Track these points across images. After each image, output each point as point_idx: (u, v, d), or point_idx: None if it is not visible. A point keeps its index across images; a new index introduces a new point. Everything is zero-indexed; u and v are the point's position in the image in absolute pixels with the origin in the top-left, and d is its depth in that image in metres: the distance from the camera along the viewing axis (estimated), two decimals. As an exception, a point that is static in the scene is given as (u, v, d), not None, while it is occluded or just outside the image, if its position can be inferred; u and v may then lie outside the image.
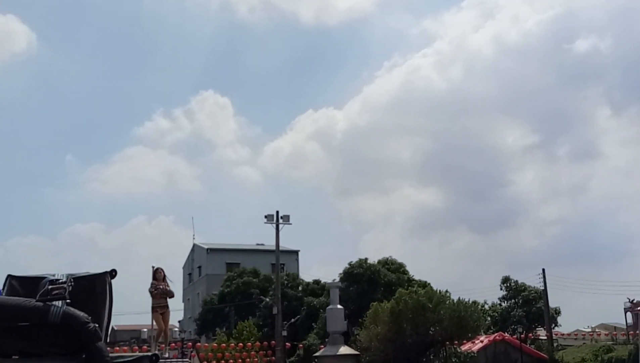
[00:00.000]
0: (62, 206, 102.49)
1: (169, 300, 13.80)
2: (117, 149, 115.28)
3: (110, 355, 4.82)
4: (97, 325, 4.60)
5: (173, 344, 39.44)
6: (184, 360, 13.30)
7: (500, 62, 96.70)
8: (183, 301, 74.24)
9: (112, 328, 68.92)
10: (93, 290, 4.91)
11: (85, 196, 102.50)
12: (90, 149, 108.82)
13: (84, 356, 4.50)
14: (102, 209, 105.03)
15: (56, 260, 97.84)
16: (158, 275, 13.45)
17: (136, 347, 37.59)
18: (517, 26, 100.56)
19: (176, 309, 69.00)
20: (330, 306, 39.33)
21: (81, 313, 4.60)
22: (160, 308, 13.38)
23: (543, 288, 45.99)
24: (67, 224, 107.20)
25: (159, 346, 13.79)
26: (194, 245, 73.12)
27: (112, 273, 5.09)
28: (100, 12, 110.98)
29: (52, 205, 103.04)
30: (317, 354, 38.65)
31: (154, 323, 13.62)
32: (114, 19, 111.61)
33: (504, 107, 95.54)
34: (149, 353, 5.01)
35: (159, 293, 13.34)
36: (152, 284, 13.38)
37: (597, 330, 55.35)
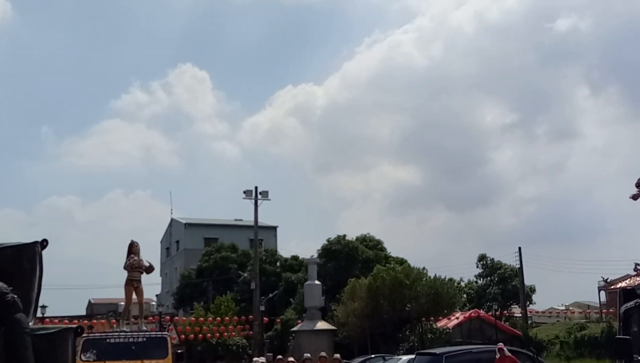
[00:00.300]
0: (38, 179, 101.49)
1: (147, 274, 13.76)
2: (93, 122, 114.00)
3: (33, 327, 4.65)
4: (15, 296, 4.41)
5: (151, 318, 39.46)
6: (163, 333, 13.24)
7: (480, 40, 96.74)
8: (161, 276, 74.11)
9: (90, 301, 68.77)
10: (20, 260, 4.75)
11: (61, 169, 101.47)
12: (67, 122, 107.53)
13: (2, 328, 4.32)
14: (78, 183, 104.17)
15: (31, 232, 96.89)
16: (134, 249, 13.38)
17: (113, 320, 37.52)
18: (499, 3, 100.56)
19: (154, 283, 69.01)
20: (308, 282, 39.60)
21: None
22: (134, 282, 13.33)
23: (519, 266, 46.58)
24: (43, 197, 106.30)
25: (128, 321, 13.78)
26: (172, 220, 72.85)
27: (43, 243, 4.93)
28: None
29: (28, 178, 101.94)
30: (294, 329, 38.97)
31: (126, 297, 13.60)
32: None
33: (484, 85, 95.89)
34: (74, 326, 4.88)
35: (133, 266, 13.28)
36: (130, 257, 13.33)
37: (570, 308, 56.35)
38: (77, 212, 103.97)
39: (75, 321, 39.03)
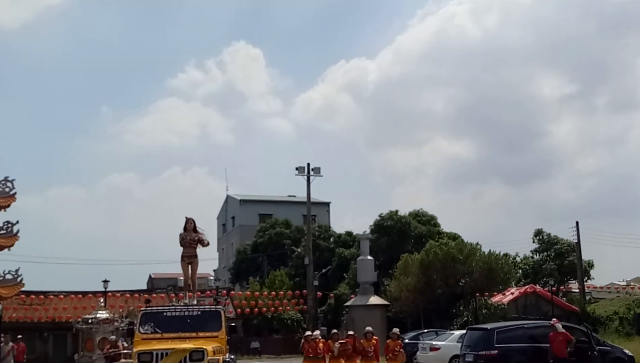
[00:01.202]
0: (98, 157, 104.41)
1: (203, 249, 14.14)
2: (151, 101, 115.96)
3: None
4: None
5: (208, 292, 40.49)
6: (217, 306, 13.67)
7: (537, 10, 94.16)
8: (217, 251, 75.68)
9: (150, 276, 70.80)
10: None
11: (120, 147, 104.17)
12: (125, 101, 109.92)
13: None
14: (137, 160, 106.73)
15: (93, 209, 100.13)
16: (188, 226, 13.78)
17: (172, 294, 38.68)
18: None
19: (211, 258, 70.62)
20: (360, 257, 39.87)
21: None
22: (187, 257, 13.74)
23: (576, 241, 45.71)
24: (104, 175, 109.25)
25: (176, 294, 14.23)
26: (228, 196, 74.07)
27: None
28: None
29: (89, 156, 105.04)
30: (347, 303, 39.40)
31: (183, 272, 14.03)
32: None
33: (542, 56, 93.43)
34: None
35: (187, 242, 13.68)
36: (180, 234, 13.75)
37: (631, 284, 54.95)
38: (136, 189, 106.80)
39: (136, 295, 40.41)
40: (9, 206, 27.29)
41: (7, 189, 27.34)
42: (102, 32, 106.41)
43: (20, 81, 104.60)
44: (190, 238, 13.67)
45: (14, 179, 27.45)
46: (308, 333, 18.06)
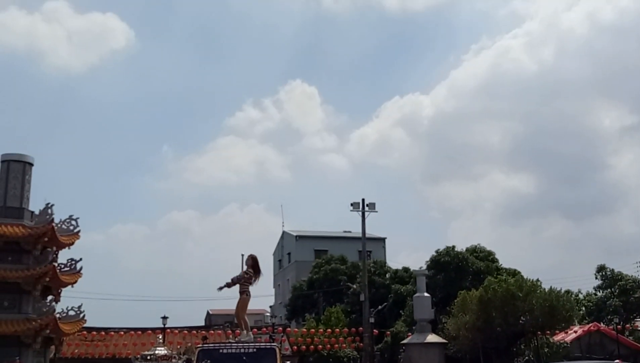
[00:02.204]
0: (159, 195, 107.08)
1: (260, 285, 14.16)
2: (209, 139, 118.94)
3: None
4: None
5: (264, 329, 40.63)
6: (272, 344, 13.75)
7: (594, 41, 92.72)
8: (274, 287, 75.99)
9: (208, 312, 71.41)
10: None
11: (180, 185, 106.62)
12: (185, 140, 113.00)
13: None
14: (196, 198, 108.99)
15: (153, 246, 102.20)
16: (247, 262, 13.99)
17: (229, 331, 38.93)
18: (612, 3, 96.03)
19: (267, 294, 70.92)
20: (417, 294, 39.34)
21: None
22: (246, 293, 13.87)
23: (642, 277, 44.12)
24: (164, 212, 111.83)
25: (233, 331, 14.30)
26: (284, 232, 74.55)
27: None
28: (190, 5, 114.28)
29: (150, 194, 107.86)
30: (404, 341, 38.83)
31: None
32: (204, 13, 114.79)
33: (600, 87, 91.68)
34: None
35: (243, 282, 13.79)
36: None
37: (702, 322, 52.41)
38: (195, 226, 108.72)
39: (194, 332, 40.85)
40: (73, 243, 28.24)
41: (71, 228, 28.33)
42: (163, 74, 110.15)
43: (86, 122, 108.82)
44: (244, 273, 13.81)
45: (78, 218, 28.46)
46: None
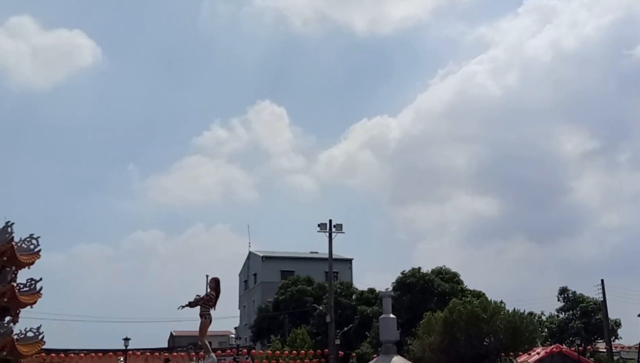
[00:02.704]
0: (124, 215, 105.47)
1: (224, 306, 14.05)
2: (176, 159, 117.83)
3: None
4: None
5: (229, 350, 40.16)
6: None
7: (557, 68, 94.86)
8: (239, 308, 75.21)
9: (171, 333, 70.43)
10: None
11: (146, 205, 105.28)
12: (151, 159, 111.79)
13: None
14: (162, 218, 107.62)
15: (117, 266, 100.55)
16: (211, 284, 13.82)
17: (193, 353, 38.40)
18: (575, 31, 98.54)
19: (232, 316, 70.14)
20: (383, 316, 39.27)
21: None
22: (207, 315, 13.69)
23: (602, 299, 44.83)
24: (128, 232, 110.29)
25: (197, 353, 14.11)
26: (250, 253, 74.04)
27: None
28: (159, 25, 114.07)
29: (114, 213, 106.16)
30: (369, 363, 38.72)
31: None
32: (172, 32, 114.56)
33: (562, 113, 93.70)
34: None
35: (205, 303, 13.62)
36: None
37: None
38: (160, 246, 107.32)
39: (157, 354, 40.23)
40: (33, 263, 27.58)
41: (31, 247, 27.68)
42: (131, 92, 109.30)
43: (50, 139, 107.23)
44: (206, 295, 13.61)
45: (38, 237, 27.82)
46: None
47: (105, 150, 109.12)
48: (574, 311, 48.94)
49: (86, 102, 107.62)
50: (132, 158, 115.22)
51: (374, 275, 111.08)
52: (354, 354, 44.51)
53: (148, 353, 40.58)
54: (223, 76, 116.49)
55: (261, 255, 70.62)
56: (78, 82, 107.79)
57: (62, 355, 39.72)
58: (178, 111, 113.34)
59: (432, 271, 48.13)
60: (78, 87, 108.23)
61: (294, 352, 42.09)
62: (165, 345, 62.22)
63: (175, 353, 39.49)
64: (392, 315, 38.64)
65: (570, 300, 49.51)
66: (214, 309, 13.81)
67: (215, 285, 13.70)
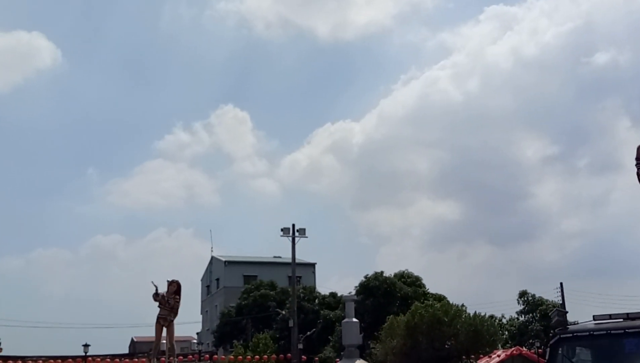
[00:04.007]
0: (84, 219, 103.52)
1: (185, 311, 14.02)
2: (137, 163, 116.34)
3: None
4: None
5: (190, 356, 39.79)
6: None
7: (518, 75, 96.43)
8: (201, 313, 74.62)
9: (132, 339, 69.44)
10: None
11: (106, 209, 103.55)
12: (111, 163, 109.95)
13: None
14: (122, 222, 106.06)
15: (76, 271, 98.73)
16: (170, 288, 13.73)
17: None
18: (536, 38, 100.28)
19: (194, 321, 69.55)
20: (345, 320, 39.37)
21: None
22: (161, 319, 13.62)
23: (561, 302, 45.72)
24: (88, 237, 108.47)
25: (158, 358, 14.01)
26: (212, 258, 73.58)
27: None
28: (121, 27, 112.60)
29: (74, 218, 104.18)
30: (332, 367, 38.82)
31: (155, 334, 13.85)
32: (134, 35, 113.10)
33: (523, 119, 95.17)
34: None
35: (164, 305, 13.58)
36: (161, 294, 13.64)
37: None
38: (120, 251, 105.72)
39: (117, 360, 39.62)
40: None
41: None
42: (90, 95, 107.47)
43: (7, 142, 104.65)
44: (166, 300, 13.55)
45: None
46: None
47: (64, 153, 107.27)
48: (534, 314, 49.79)
49: (45, 104, 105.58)
50: (91, 162, 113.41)
51: (337, 279, 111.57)
52: (316, 358, 44.52)
53: (108, 360, 39.95)
54: (185, 80, 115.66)
55: (224, 259, 70.23)
56: (37, 85, 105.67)
57: (20, 361, 38.87)
58: (139, 115, 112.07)
59: (395, 275, 48.48)
60: (37, 89, 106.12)
61: (257, 356, 41.91)
62: (126, 351, 61.31)
63: (137, 359, 38.92)
64: (354, 319, 38.73)
65: (530, 303, 50.38)
66: (176, 314, 13.74)
67: (177, 288, 13.63)
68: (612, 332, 5.69)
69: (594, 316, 6.14)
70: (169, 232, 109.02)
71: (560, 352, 5.90)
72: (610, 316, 5.94)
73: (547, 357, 6.02)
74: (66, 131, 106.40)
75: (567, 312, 7.11)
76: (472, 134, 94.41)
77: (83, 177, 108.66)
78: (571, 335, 5.95)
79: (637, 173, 7.15)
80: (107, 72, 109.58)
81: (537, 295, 50.81)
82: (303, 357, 42.08)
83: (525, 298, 51.01)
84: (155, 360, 15.87)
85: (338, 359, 39.78)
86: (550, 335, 6.14)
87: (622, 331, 5.62)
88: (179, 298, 13.72)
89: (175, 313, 13.71)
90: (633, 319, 5.73)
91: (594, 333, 5.81)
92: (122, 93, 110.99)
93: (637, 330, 5.53)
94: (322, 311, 50.43)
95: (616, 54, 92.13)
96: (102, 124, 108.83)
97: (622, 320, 5.78)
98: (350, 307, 39.39)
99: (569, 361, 5.86)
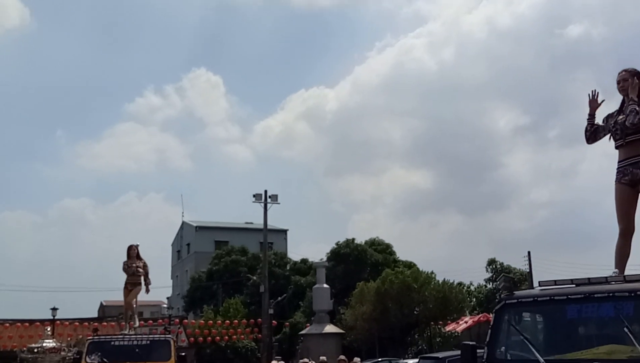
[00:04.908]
0: (52, 181, 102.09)
1: (156, 276, 13.90)
2: (108, 126, 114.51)
3: None
4: None
5: (160, 320, 39.72)
6: (168, 335, 13.41)
7: (493, 45, 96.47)
8: (172, 278, 74.46)
9: (101, 303, 69.14)
10: None
11: (75, 172, 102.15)
12: (81, 125, 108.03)
13: None
14: (92, 185, 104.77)
15: (44, 234, 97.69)
16: (131, 252, 13.60)
17: (123, 323, 37.82)
18: (510, 9, 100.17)
19: (165, 286, 69.34)
20: (316, 286, 39.71)
21: None
22: (131, 285, 13.55)
23: (528, 270, 46.46)
24: (57, 199, 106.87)
25: (134, 323, 13.98)
26: (183, 223, 73.18)
27: None
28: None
29: (42, 180, 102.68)
30: (302, 332, 39.10)
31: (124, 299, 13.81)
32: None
33: (496, 90, 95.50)
34: None
35: (131, 270, 13.50)
36: (124, 262, 13.56)
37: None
38: (90, 214, 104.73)
39: (86, 323, 39.37)
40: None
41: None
42: (60, 56, 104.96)
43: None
44: (136, 265, 13.47)
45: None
46: (274, 362, 17.90)
47: (32, 115, 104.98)
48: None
49: (13, 64, 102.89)
50: (60, 124, 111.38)
51: (309, 245, 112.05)
52: (287, 323, 44.82)
53: (77, 323, 39.66)
54: (158, 42, 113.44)
55: (195, 224, 69.89)
56: (4, 44, 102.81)
57: (-15, 324, 38.44)
58: (110, 76, 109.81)
59: (366, 242, 48.74)
60: (4, 49, 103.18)
61: (227, 321, 42.02)
62: (95, 315, 61.07)
63: (105, 323, 38.72)
64: (325, 285, 39.16)
65: (498, 271, 51.03)
66: (146, 276, 13.71)
67: (137, 252, 13.55)
68: (556, 297, 5.70)
69: (539, 282, 6.15)
70: (139, 196, 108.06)
71: (505, 317, 5.90)
72: (555, 282, 5.94)
73: (491, 322, 6.02)
74: (34, 92, 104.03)
75: (513, 278, 7.12)
76: (446, 103, 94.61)
77: (52, 139, 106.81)
78: (516, 300, 5.95)
79: (585, 128, 7.19)
80: (78, 32, 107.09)
81: (505, 263, 51.47)
82: (273, 322, 42.29)
83: (494, 266, 51.65)
84: (129, 325, 15.75)
85: (308, 324, 40.11)
86: (496, 300, 6.16)
87: (565, 297, 5.64)
88: (143, 261, 13.60)
89: (146, 275, 13.61)
90: (578, 285, 5.74)
91: (538, 299, 5.83)
92: (93, 54, 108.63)
93: (579, 296, 5.56)
94: (293, 277, 50.64)
95: (589, 27, 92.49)
96: (71, 85, 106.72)
97: (566, 286, 5.80)
98: (321, 273, 39.78)
99: (514, 326, 5.85)
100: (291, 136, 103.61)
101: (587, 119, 7.09)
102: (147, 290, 13.86)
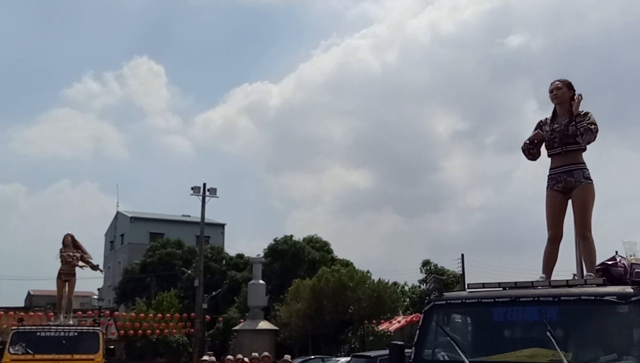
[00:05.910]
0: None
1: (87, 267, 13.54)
2: (42, 110, 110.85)
3: None
4: None
5: (90, 312, 38.79)
6: (95, 327, 13.11)
7: (435, 51, 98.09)
8: (103, 269, 72.93)
9: (29, 292, 67.08)
10: None
11: (5, 156, 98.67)
12: (14, 108, 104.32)
13: None
14: (24, 171, 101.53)
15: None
16: (66, 241, 13.26)
17: (51, 313, 36.77)
18: (454, 16, 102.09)
19: (96, 277, 67.70)
20: (252, 281, 39.55)
21: None
22: (65, 275, 13.21)
23: (461, 272, 47.46)
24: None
25: (67, 315, 13.60)
26: (118, 213, 71.69)
27: None
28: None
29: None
30: (236, 328, 38.88)
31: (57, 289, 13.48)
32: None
33: (437, 95, 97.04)
34: None
35: (66, 259, 13.17)
36: (60, 249, 13.21)
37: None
38: (21, 201, 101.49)
39: (12, 313, 38.10)
40: None
41: None
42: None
43: None
44: (72, 254, 13.14)
45: None
46: (205, 358, 17.68)
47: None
48: (434, 283, 51.57)
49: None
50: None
51: (246, 241, 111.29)
52: (220, 318, 44.50)
53: (2, 312, 38.37)
54: (99, 26, 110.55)
55: (130, 215, 68.57)
56: None
57: None
58: (47, 59, 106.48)
59: (304, 239, 48.85)
60: None
61: (159, 315, 41.41)
62: (22, 305, 59.20)
63: (32, 313, 37.58)
64: (261, 281, 39.04)
65: (431, 272, 51.97)
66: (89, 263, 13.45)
67: (73, 241, 13.23)
68: (483, 300, 5.87)
69: (468, 284, 6.30)
70: (73, 184, 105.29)
71: (434, 318, 6.03)
72: (483, 285, 6.11)
73: (420, 323, 6.14)
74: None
75: (443, 280, 7.28)
76: (388, 105, 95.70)
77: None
78: (445, 302, 6.09)
79: (522, 149, 7.31)
80: (15, 11, 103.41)
81: (439, 265, 52.48)
82: (207, 316, 41.93)
83: (428, 268, 52.59)
84: (53, 314, 15.34)
85: (242, 320, 39.90)
86: (426, 301, 6.29)
87: (492, 300, 5.81)
88: (80, 250, 13.27)
89: (88, 262, 13.32)
90: (505, 289, 5.92)
91: (466, 301, 5.98)
92: (30, 35, 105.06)
93: (505, 299, 5.74)
94: (229, 272, 50.32)
95: (529, 38, 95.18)
96: (5, 65, 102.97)
97: (494, 289, 5.97)
98: (258, 269, 39.62)
99: (442, 328, 5.99)
100: (233, 130, 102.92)
101: (527, 143, 7.15)
102: (101, 270, 13.70)
